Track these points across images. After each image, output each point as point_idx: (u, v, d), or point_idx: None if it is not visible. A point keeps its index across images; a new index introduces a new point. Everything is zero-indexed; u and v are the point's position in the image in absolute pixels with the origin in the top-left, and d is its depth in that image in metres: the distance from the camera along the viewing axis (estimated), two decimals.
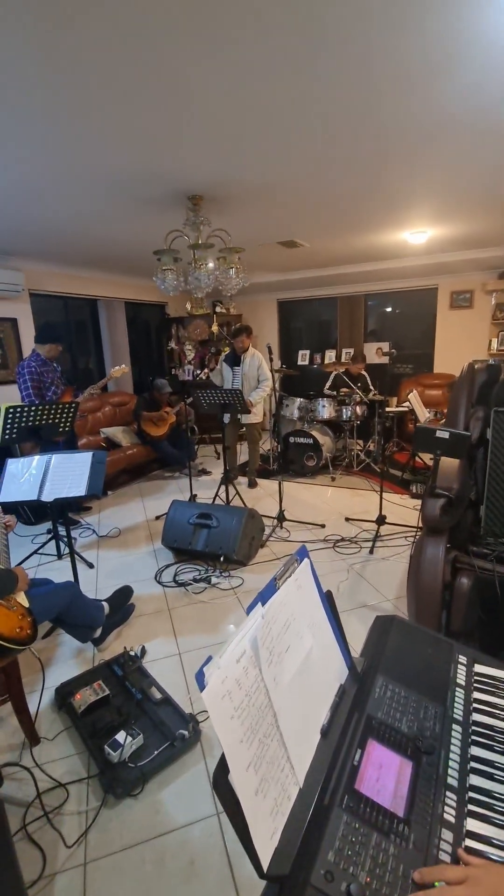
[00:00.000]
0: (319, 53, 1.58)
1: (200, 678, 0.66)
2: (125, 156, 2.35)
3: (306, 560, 1.01)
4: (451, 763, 0.86)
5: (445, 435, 1.86)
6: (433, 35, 1.50)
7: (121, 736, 1.59)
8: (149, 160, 2.41)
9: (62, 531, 3.29)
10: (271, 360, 3.61)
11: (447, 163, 2.60)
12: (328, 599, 1.05)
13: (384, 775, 0.82)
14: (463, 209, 3.54)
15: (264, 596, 0.85)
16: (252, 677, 0.74)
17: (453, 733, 0.92)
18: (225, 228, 3.09)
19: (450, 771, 0.84)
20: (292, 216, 3.60)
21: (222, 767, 0.67)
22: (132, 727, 1.63)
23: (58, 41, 1.45)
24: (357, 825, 0.73)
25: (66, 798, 1.49)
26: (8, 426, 2.89)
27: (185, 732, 1.63)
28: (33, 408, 2.99)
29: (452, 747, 0.89)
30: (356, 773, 0.81)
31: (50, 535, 3.29)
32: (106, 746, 1.56)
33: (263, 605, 0.84)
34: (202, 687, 0.65)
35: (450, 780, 0.83)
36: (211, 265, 3.02)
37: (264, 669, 0.77)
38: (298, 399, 5.21)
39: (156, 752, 1.57)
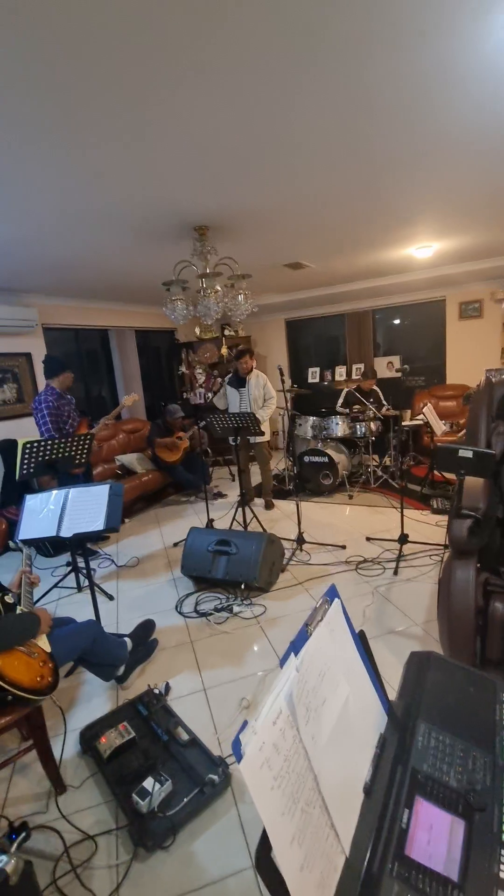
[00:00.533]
0: (323, 83, 1.61)
1: (237, 747, 0.62)
2: (134, 193, 2.41)
3: (337, 601, 0.97)
4: None
5: (469, 454, 1.81)
6: (435, 58, 1.51)
7: (149, 783, 1.53)
8: (156, 195, 2.47)
9: (81, 563, 3.29)
10: (283, 381, 3.60)
11: (451, 180, 2.61)
12: (361, 640, 1.01)
13: (435, 837, 0.76)
14: (468, 222, 3.54)
15: (296, 645, 0.82)
16: (290, 739, 0.70)
17: None
18: (231, 255, 3.13)
19: None
20: (297, 239, 3.65)
21: (264, 844, 0.63)
22: (160, 773, 1.57)
23: (70, 84, 1.49)
24: (409, 895, 0.67)
25: (95, 851, 1.43)
26: (25, 461, 2.91)
27: (215, 777, 1.57)
28: (49, 442, 3.02)
29: None
30: (405, 836, 0.76)
31: (70, 569, 3.28)
32: (134, 795, 1.51)
33: (296, 654, 0.80)
34: (239, 758, 0.61)
35: None
36: (219, 289, 3.05)
37: (302, 729, 0.73)
38: (311, 418, 5.19)
39: (185, 800, 1.51)
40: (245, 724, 0.64)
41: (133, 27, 1.26)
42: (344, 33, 1.36)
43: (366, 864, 0.72)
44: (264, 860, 0.62)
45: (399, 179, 2.53)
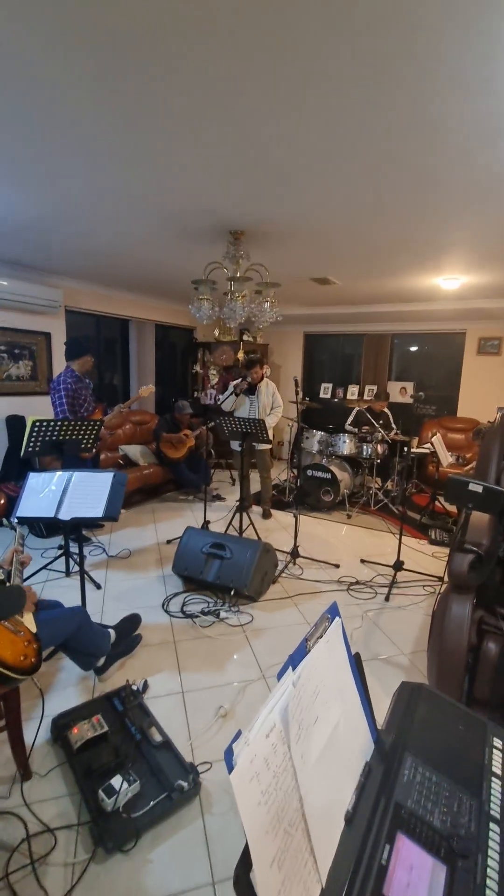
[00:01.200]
0: (385, 111, 1.62)
1: (229, 757, 0.60)
2: (179, 192, 2.43)
3: (338, 619, 0.95)
4: (489, 871, 0.76)
5: (479, 489, 1.79)
6: (497, 103, 1.52)
7: (116, 781, 1.50)
8: (200, 197, 2.49)
9: (73, 549, 3.26)
10: (297, 392, 3.59)
11: (489, 216, 2.62)
12: (356, 663, 0.98)
13: (415, 880, 0.73)
14: (499, 259, 3.55)
15: (295, 659, 0.79)
16: (280, 755, 0.67)
17: (491, 833, 0.82)
18: (262, 262, 3.15)
19: (488, 881, 0.75)
20: (328, 255, 3.66)
21: (244, 863, 0.60)
22: (129, 772, 1.54)
23: (131, 93, 1.53)
24: None
25: (54, 846, 1.39)
26: (33, 439, 2.90)
27: (185, 784, 1.53)
28: (59, 422, 3.01)
29: (491, 851, 0.79)
30: (384, 874, 0.73)
31: (61, 552, 3.25)
32: (100, 791, 1.47)
33: (294, 669, 0.78)
34: (231, 767, 0.59)
35: (489, 893, 0.73)
36: (246, 294, 3.06)
37: (293, 746, 0.70)
38: (319, 432, 5.17)
39: (152, 804, 1.48)
40: (239, 733, 0.62)
41: (205, 31, 1.26)
42: (417, 67, 1.37)
43: None
44: (243, 879, 0.59)
45: (445, 210, 2.53)
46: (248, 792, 0.60)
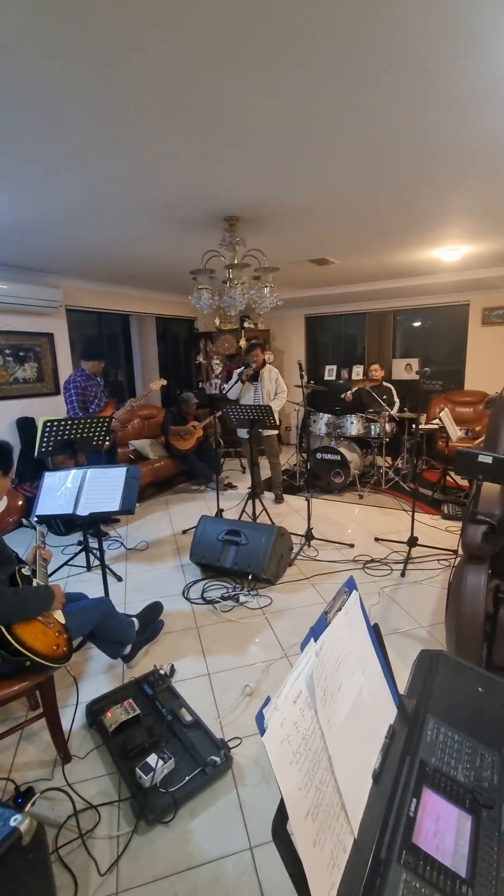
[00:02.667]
0: (375, 87, 1.61)
1: (260, 721, 0.64)
2: (171, 182, 2.42)
3: (355, 592, 0.98)
4: None
5: (489, 460, 1.80)
6: (487, 63, 1.50)
7: (152, 759, 1.57)
8: (193, 185, 2.48)
9: (93, 543, 3.34)
10: (302, 375, 3.60)
11: (488, 182, 2.57)
12: (376, 633, 1.02)
13: (442, 829, 0.77)
14: (500, 227, 3.48)
15: (316, 631, 0.83)
16: (308, 719, 0.72)
17: None
18: (259, 248, 3.13)
19: None
20: (325, 235, 3.62)
21: (281, 815, 0.65)
22: (163, 750, 1.61)
23: (119, 81, 1.52)
24: (417, 884, 0.69)
25: (98, 821, 1.47)
26: (45, 439, 2.96)
27: (217, 759, 1.60)
28: (70, 422, 3.06)
29: None
30: (413, 825, 0.77)
31: (80, 548, 3.33)
32: (137, 769, 1.54)
33: (316, 640, 0.82)
34: (262, 731, 0.63)
35: None
36: (245, 280, 3.05)
37: (319, 710, 0.74)
38: (325, 415, 5.18)
39: (187, 778, 1.55)
40: (268, 699, 0.66)
41: (180, 21, 1.26)
42: (403, 37, 1.35)
43: (374, 847, 0.74)
44: (281, 831, 0.64)
45: (439, 177, 2.49)
46: (280, 752, 0.64)
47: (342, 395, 5.44)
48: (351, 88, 1.64)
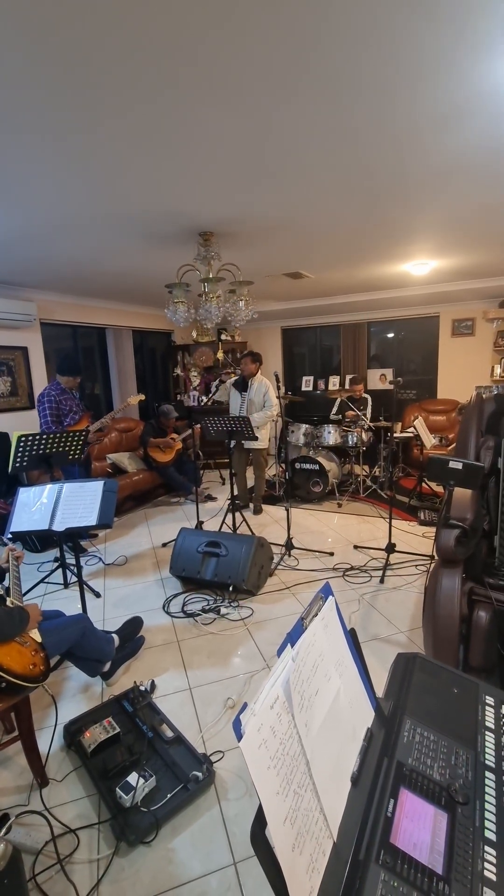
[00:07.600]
0: (347, 109, 1.68)
1: (237, 727, 0.64)
2: (142, 197, 2.45)
3: (331, 598, 1.00)
4: (487, 815, 0.83)
5: (459, 465, 1.86)
6: (446, 86, 1.59)
7: (132, 778, 1.53)
8: (164, 201, 2.51)
9: (69, 559, 3.27)
10: (279, 387, 3.65)
11: (453, 201, 2.70)
12: (352, 637, 1.04)
13: (419, 828, 0.79)
14: (465, 243, 3.64)
15: (293, 637, 0.85)
16: (285, 724, 0.73)
17: (487, 781, 0.89)
18: (234, 262, 3.18)
19: (487, 823, 0.81)
20: (298, 250, 3.72)
21: (259, 821, 0.65)
22: (144, 768, 1.58)
23: (85, 94, 1.54)
24: (395, 883, 0.70)
25: (77, 845, 1.43)
26: (19, 454, 2.91)
27: (199, 774, 1.58)
28: (45, 436, 3.02)
29: (487, 797, 0.86)
30: (390, 825, 0.78)
31: (57, 564, 3.26)
32: (118, 789, 1.51)
33: (293, 645, 0.83)
34: (239, 736, 0.63)
35: (487, 834, 0.80)
36: (220, 294, 3.10)
37: (296, 715, 0.75)
38: (304, 425, 5.24)
39: (169, 796, 1.52)
40: (245, 705, 0.67)
41: (143, 34, 1.30)
42: (367, 59, 1.42)
43: (353, 849, 0.75)
44: (259, 836, 0.64)
45: (405, 196, 2.60)
46: (257, 757, 0.65)
47: (341, 415, 5.55)
48: (322, 110, 1.71)
